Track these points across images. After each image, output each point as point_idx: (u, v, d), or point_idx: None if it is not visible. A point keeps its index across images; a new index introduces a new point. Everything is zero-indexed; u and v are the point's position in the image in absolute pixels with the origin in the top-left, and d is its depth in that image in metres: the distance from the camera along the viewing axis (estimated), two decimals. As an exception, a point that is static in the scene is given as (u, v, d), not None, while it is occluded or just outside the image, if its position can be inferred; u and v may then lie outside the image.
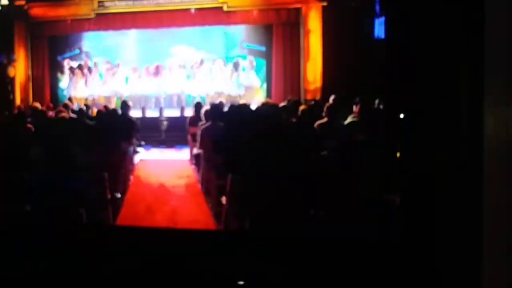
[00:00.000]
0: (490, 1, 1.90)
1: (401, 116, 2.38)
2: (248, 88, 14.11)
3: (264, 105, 8.04)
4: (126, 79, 14.14)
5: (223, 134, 5.92)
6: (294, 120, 7.31)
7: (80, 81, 13.78)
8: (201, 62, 13.57)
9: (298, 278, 2.82)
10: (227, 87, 13.58)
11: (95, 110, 12.16)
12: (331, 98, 8.46)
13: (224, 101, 9.16)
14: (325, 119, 6.44)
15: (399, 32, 2.38)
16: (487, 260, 1.93)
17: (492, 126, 1.91)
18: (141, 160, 8.97)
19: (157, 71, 13.79)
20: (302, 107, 6.15)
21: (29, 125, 7.23)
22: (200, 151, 6.80)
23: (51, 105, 10.11)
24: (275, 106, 7.01)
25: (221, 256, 2.98)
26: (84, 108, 8.34)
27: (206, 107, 8.22)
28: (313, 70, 12.48)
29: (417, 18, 2.19)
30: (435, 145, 2.13)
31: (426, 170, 2.16)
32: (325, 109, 6.60)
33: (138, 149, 9.01)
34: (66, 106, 8.91)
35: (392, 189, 3.59)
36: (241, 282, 2.77)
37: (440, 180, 2.11)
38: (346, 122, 6.54)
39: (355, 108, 7.72)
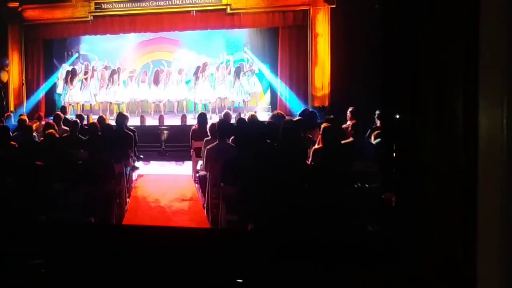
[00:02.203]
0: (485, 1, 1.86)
1: (397, 116, 2.33)
2: (251, 94, 13.11)
3: (275, 117, 7.01)
4: (124, 83, 13.03)
5: (234, 157, 4.89)
6: (310, 136, 6.30)
7: (76, 86, 12.66)
8: (203, 67, 12.44)
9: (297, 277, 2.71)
10: (230, 93, 12.47)
11: (91, 118, 11.16)
12: (349, 110, 7.42)
13: (230, 112, 8.03)
14: (350, 139, 5.44)
15: (394, 32, 2.30)
16: (481, 261, 1.89)
17: (487, 127, 1.87)
18: (139, 176, 7.94)
19: (156, 76, 12.66)
20: (324, 125, 5.15)
21: (13, 142, 6.20)
22: (205, 173, 5.77)
23: (42, 114, 9.02)
24: (292, 121, 5.96)
25: (221, 254, 2.86)
26: (78, 120, 7.24)
27: (209, 117, 7.22)
28: (321, 75, 11.43)
29: (412, 17, 2.12)
30: (430, 145, 2.07)
31: (421, 171, 2.10)
32: (349, 127, 5.60)
33: (137, 163, 7.97)
34: (57, 118, 7.83)
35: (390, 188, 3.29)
36: (239, 280, 2.69)
37: (435, 181, 2.05)
38: (375, 141, 5.52)
39: (378, 123, 6.72)
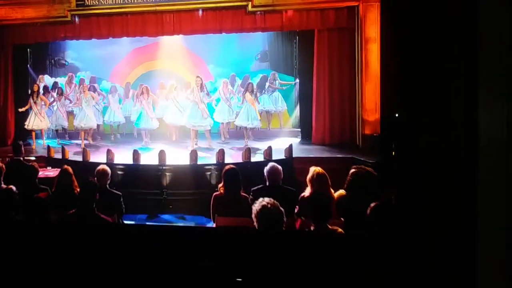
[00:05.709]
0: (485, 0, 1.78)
1: (396, 114, 2.21)
2: (272, 115, 9.90)
3: (362, 177, 3.76)
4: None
5: None
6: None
7: (43, 106, 9.40)
8: (211, 82, 9.11)
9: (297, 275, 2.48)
10: (247, 115, 9.03)
11: (68, 152, 7.84)
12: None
13: (277, 165, 4.55)
14: None
15: (394, 31, 2.16)
16: (482, 259, 1.79)
17: (486, 124, 1.78)
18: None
19: (149, 93, 9.33)
20: None
21: None
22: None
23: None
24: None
25: (220, 253, 2.63)
26: (13, 188, 3.79)
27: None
28: (374, 93, 8.18)
29: (411, 15, 2.00)
30: (430, 145, 1.94)
31: (421, 169, 1.96)
32: None
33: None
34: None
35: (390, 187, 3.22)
36: (239, 279, 2.52)
37: (434, 179, 1.91)
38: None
39: None
